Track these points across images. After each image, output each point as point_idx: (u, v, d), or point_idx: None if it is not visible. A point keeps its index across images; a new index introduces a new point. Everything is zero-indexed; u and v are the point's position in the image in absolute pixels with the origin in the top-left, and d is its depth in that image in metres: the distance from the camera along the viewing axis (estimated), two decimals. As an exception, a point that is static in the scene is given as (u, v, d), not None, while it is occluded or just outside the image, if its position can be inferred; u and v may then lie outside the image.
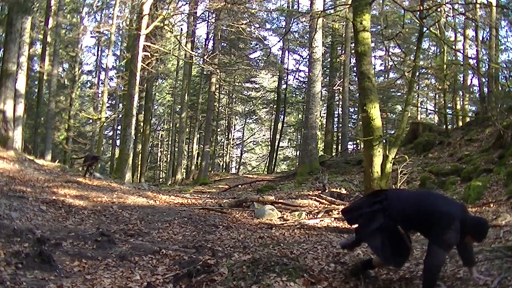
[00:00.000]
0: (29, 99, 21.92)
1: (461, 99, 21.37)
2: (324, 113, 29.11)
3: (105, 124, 23.49)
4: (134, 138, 21.56)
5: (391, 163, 9.19)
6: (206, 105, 24.99)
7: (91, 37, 45.70)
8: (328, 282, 3.58)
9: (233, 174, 29.56)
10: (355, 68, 16.35)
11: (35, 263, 4.18)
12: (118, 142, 26.60)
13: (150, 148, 32.35)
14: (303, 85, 29.11)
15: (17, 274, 3.87)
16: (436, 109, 23.24)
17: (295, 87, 32.70)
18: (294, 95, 33.21)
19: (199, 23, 26.16)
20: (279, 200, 10.35)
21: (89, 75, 32.49)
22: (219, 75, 24.99)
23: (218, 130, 34.43)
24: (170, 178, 26.61)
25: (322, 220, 8.22)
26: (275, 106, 30.84)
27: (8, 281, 3.61)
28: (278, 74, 28.65)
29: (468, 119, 17.99)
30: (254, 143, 40.28)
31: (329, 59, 26.52)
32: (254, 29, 23.69)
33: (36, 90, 23.59)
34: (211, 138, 27.76)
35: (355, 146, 27.80)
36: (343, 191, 11.85)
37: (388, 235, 3.35)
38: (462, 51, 17.24)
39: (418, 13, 9.85)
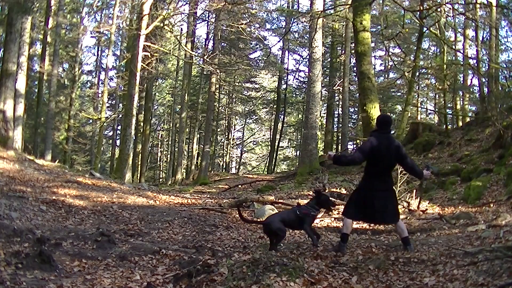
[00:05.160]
0: (29, 99, 21.90)
1: (461, 99, 21.38)
2: (324, 113, 29.11)
3: (105, 124, 23.49)
4: (134, 138, 21.57)
5: (391, 163, 9.17)
6: (206, 105, 24.99)
7: (91, 37, 45.80)
8: (328, 282, 3.58)
9: (233, 174, 29.56)
10: (355, 68, 16.37)
11: (35, 263, 4.17)
12: (118, 142, 26.64)
13: (150, 148, 32.34)
14: (303, 85, 29.11)
15: (17, 274, 3.86)
16: (436, 109, 23.24)
17: (295, 87, 32.71)
18: (294, 95, 33.20)
19: (199, 23, 26.20)
20: (279, 200, 10.33)
21: (89, 75, 32.54)
22: (219, 75, 24.98)
23: (218, 130, 34.42)
24: (170, 178, 26.62)
25: (322, 220, 8.21)
26: (275, 106, 30.84)
27: (8, 281, 3.60)
28: (278, 74, 28.66)
29: (468, 119, 17.98)
30: (254, 143, 40.27)
31: (329, 59, 26.52)
32: (254, 29, 23.70)
33: (36, 90, 23.59)
34: (211, 138, 27.77)
35: (355, 146, 27.80)
36: (343, 191, 11.82)
37: None
38: (462, 51, 17.24)
39: (418, 13, 9.88)
